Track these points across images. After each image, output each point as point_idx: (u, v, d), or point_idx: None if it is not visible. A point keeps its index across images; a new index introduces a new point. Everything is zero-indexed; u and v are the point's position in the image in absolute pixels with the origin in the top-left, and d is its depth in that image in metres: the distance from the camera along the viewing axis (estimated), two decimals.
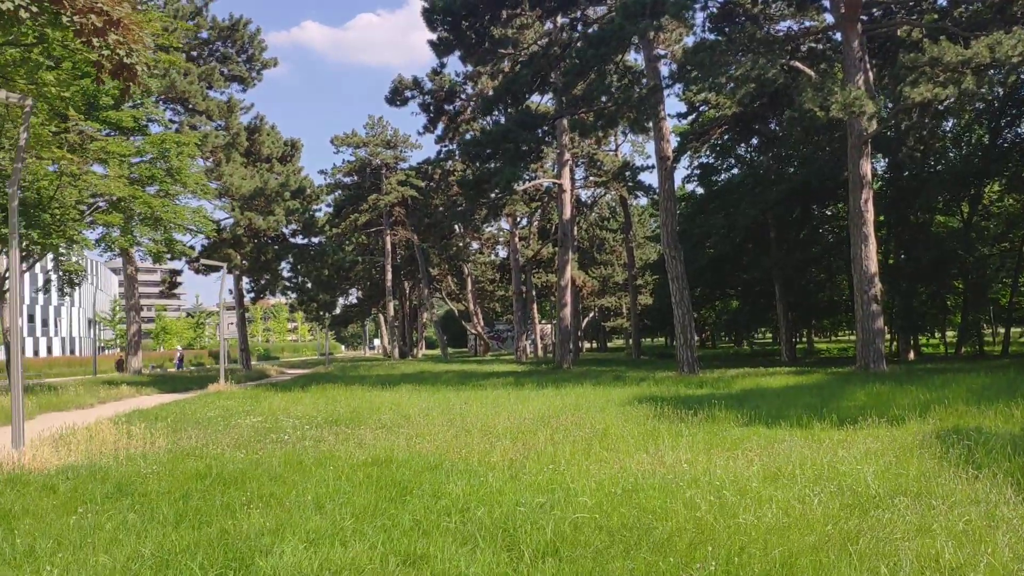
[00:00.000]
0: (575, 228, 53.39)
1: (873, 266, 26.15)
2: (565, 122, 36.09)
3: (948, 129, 39.21)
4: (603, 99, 28.39)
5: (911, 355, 38.73)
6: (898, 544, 5.65)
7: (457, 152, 32.02)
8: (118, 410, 20.64)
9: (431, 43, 31.32)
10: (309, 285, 52.37)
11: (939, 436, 10.64)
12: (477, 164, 31.37)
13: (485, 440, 12.22)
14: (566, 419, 14.41)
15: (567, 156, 40.10)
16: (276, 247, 45.11)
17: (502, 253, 66.05)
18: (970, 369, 24.80)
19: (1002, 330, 47.40)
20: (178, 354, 57.02)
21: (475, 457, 10.54)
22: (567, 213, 38.78)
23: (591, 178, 53.25)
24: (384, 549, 6.11)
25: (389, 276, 57.59)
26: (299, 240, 46.58)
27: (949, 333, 49.00)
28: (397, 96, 38.51)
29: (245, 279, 46.88)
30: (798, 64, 26.87)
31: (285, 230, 45.11)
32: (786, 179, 39.11)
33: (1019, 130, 38.23)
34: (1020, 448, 9.39)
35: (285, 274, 49.51)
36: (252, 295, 47.54)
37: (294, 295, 54.79)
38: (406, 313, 68.28)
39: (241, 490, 8.74)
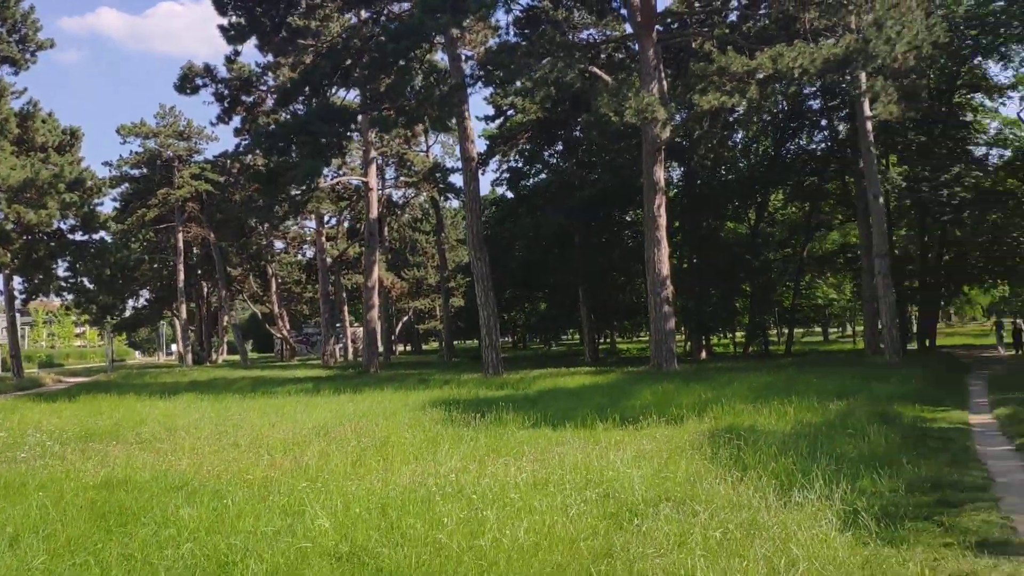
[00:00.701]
0: (385, 228, 52.35)
1: (665, 269, 26.97)
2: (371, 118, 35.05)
3: (738, 140, 41.55)
4: (407, 95, 27.67)
5: (703, 354, 40.70)
6: (651, 561, 5.25)
7: (251, 143, 30.08)
8: None
9: (221, 28, 29.28)
10: (90, 286, 48.03)
11: (713, 436, 10.68)
12: (277, 157, 29.80)
13: (251, 454, 11.17)
14: (350, 428, 13.53)
15: (373, 153, 39.01)
16: (51, 244, 40.93)
17: (311, 253, 63.72)
18: (755, 368, 26.06)
19: (786, 330, 50.88)
20: None
21: (231, 475, 9.47)
22: (374, 212, 37.70)
23: (402, 178, 52.36)
24: None
25: (181, 276, 53.89)
26: (79, 236, 42.50)
27: (739, 333, 51.94)
28: (187, 84, 35.83)
29: (16, 279, 42.24)
30: (597, 70, 27.31)
31: (63, 225, 41.00)
32: (589, 185, 39.99)
33: (801, 142, 41.20)
34: (788, 447, 9.50)
35: (62, 273, 45.07)
36: (23, 296, 42.91)
37: (71, 296, 49.98)
38: (203, 316, 64.35)
39: None
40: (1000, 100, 41.45)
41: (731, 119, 35.57)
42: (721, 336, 51.33)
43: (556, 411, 14.78)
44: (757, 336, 44.63)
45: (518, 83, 30.88)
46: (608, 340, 61.51)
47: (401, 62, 26.58)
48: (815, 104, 37.62)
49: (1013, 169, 39.47)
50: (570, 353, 54.84)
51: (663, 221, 27.06)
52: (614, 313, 49.34)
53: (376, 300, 39.00)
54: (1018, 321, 41.18)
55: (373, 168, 38.71)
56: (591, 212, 39.71)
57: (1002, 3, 31.92)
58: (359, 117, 31.15)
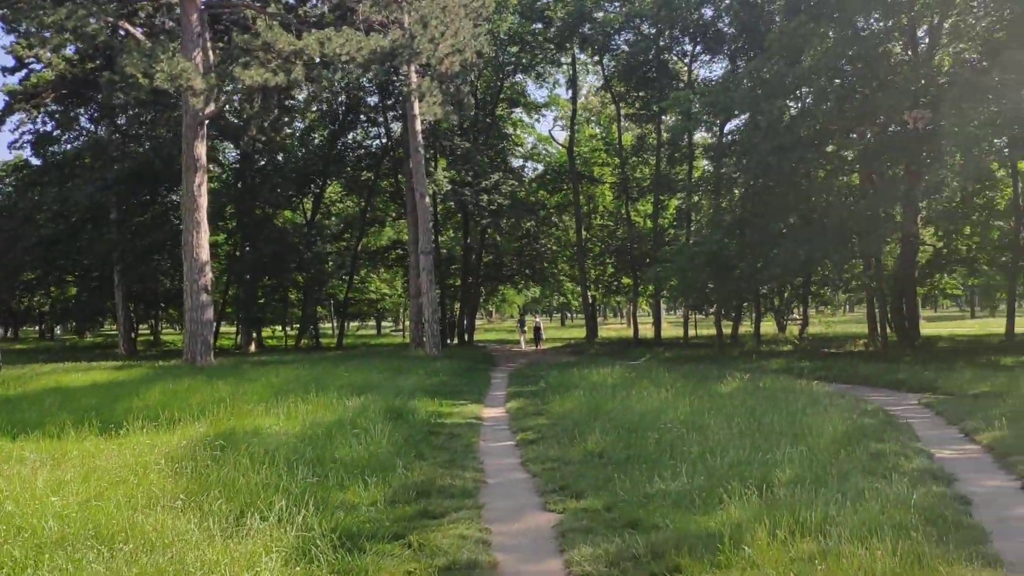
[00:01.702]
0: None
1: (205, 254, 24.86)
2: None
3: (298, 127, 40.54)
4: None
5: (252, 347, 38.93)
6: None
7: None
8: None
9: None
10: None
11: (201, 443, 9.32)
12: None
13: None
14: None
15: None
16: None
17: None
18: (299, 361, 24.98)
19: (340, 323, 51.16)
20: None
21: None
22: None
23: None
24: None
25: None
26: None
27: (297, 326, 50.90)
28: None
29: None
30: (131, 28, 24.19)
31: None
32: (130, 157, 35.95)
33: (356, 135, 41.53)
34: (278, 454, 8.51)
35: None
36: None
37: None
38: None
39: None
40: (536, 117, 46.15)
41: (288, 103, 34.50)
42: (276, 328, 49.79)
43: (29, 417, 12.25)
44: (308, 328, 44.09)
45: (46, 34, 26.29)
46: (152, 330, 56.50)
47: None
48: (372, 100, 38.10)
49: (544, 182, 44.20)
50: (106, 344, 49.07)
51: (204, 202, 24.88)
52: (158, 300, 45.03)
53: None
54: (538, 319, 46.07)
55: None
56: (131, 187, 35.68)
57: (539, 26, 35.21)
58: None
